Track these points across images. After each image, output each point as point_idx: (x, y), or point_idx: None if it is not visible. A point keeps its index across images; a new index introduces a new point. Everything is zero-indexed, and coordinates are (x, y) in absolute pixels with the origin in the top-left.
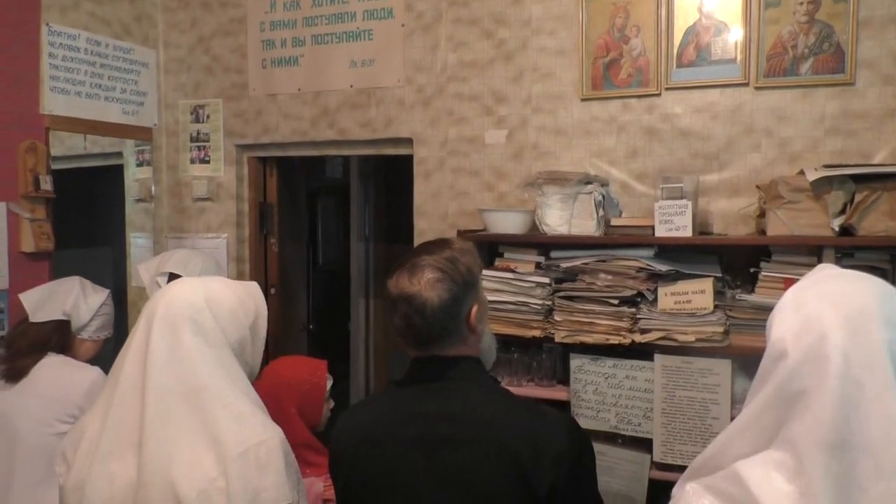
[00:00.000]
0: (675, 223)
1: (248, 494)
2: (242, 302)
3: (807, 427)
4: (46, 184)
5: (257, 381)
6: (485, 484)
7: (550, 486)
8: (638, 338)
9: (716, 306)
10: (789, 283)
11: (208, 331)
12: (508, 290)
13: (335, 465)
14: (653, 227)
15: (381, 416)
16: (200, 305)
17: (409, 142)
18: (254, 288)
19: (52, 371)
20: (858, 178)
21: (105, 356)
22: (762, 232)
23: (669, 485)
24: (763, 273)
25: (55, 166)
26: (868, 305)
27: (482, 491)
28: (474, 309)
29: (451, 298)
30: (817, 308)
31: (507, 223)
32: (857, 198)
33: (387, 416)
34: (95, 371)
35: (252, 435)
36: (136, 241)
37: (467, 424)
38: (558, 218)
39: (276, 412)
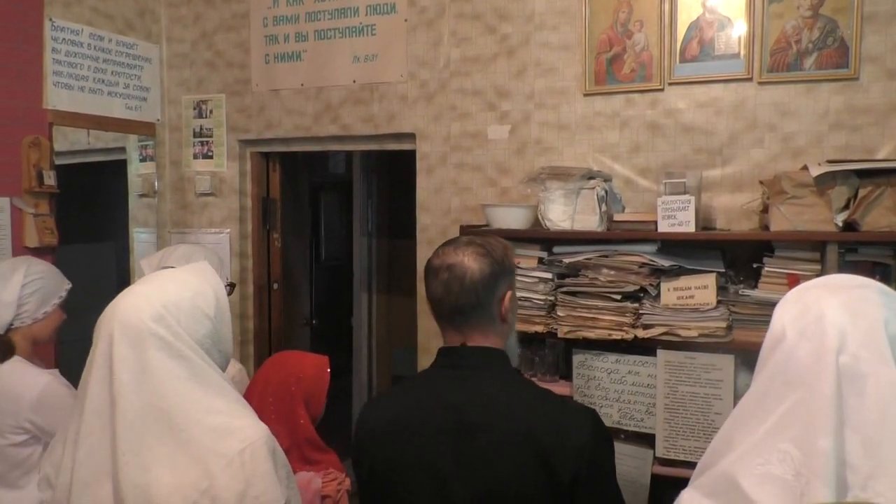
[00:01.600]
0: (678, 218)
1: None
2: (199, 293)
3: (809, 407)
4: (50, 179)
5: (265, 376)
6: (510, 471)
7: (573, 475)
8: (640, 333)
9: (718, 301)
10: (792, 278)
11: (173, 340)
12: None
13: (360, 450)
14: (656, 223)
15: (409, 402)
16: (159, 314)
17: (411, 137)
18: (204, 269)
19: (2, 381)
20: (862, 174)
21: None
22: (765, 227)
23: (672, 480)
24: (766, 268)
25: (58, 161)
26: (865, 293)
27: (507, 478)
28: (508, 294)
29: (491, 273)
30: (816, 295)
31: (510, 218)
32: (861, 193)
33: (414, 402)
34: (44, 379)
35: (233, 443)
36: (139, 237)
37: (493, 413)
38: (561, 213)
39: (288, 407)
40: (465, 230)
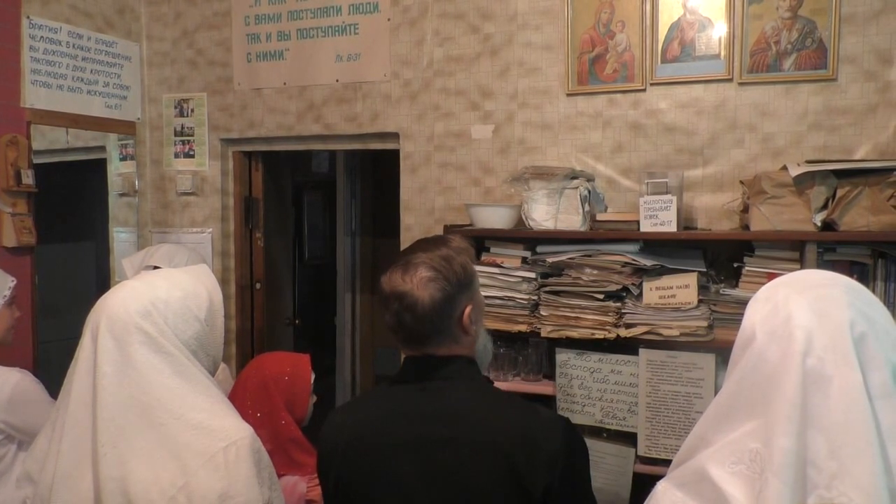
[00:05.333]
0: (659, 218)
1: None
2: (192, 294)
3: (773, 407)
4: (28, 178)
5: (244, 379)
6: (479, 485)
7: (545, 487)
8: (623, 332)
9: (700, 301)
10: (772, 277)
11: (157, 337)
12: (495, 284)
13: (325, 463)
14: (638, 222)
15: (373, 414)
16: (147, 310)
17: (395, 136)
18: (202, 272)
19: None
20: (840, 174)
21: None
22: (746, 227)
23: (654, 478)
24: (746, 268)
25: (37, 160)
26: (833, 292)
27: (476, 492)
28: (468, 309)
29: (443, 298)
30: (785, 295)
31: (494, 218)
32: (839, 193)
33: (378, 414)
34: (14, 377)
35: (214, 442)
36: (120, 236)
37: (461, 425)
38: (544, 213)
39: (267, 409)
40: (449, 230)
